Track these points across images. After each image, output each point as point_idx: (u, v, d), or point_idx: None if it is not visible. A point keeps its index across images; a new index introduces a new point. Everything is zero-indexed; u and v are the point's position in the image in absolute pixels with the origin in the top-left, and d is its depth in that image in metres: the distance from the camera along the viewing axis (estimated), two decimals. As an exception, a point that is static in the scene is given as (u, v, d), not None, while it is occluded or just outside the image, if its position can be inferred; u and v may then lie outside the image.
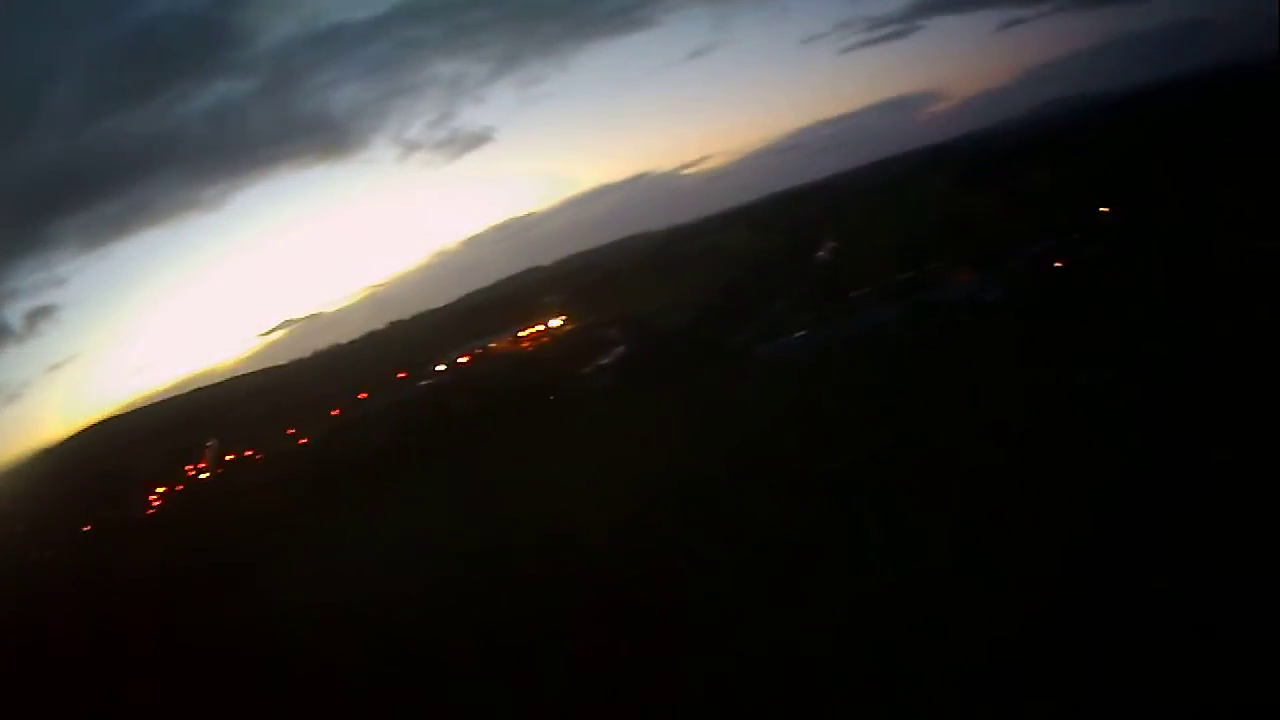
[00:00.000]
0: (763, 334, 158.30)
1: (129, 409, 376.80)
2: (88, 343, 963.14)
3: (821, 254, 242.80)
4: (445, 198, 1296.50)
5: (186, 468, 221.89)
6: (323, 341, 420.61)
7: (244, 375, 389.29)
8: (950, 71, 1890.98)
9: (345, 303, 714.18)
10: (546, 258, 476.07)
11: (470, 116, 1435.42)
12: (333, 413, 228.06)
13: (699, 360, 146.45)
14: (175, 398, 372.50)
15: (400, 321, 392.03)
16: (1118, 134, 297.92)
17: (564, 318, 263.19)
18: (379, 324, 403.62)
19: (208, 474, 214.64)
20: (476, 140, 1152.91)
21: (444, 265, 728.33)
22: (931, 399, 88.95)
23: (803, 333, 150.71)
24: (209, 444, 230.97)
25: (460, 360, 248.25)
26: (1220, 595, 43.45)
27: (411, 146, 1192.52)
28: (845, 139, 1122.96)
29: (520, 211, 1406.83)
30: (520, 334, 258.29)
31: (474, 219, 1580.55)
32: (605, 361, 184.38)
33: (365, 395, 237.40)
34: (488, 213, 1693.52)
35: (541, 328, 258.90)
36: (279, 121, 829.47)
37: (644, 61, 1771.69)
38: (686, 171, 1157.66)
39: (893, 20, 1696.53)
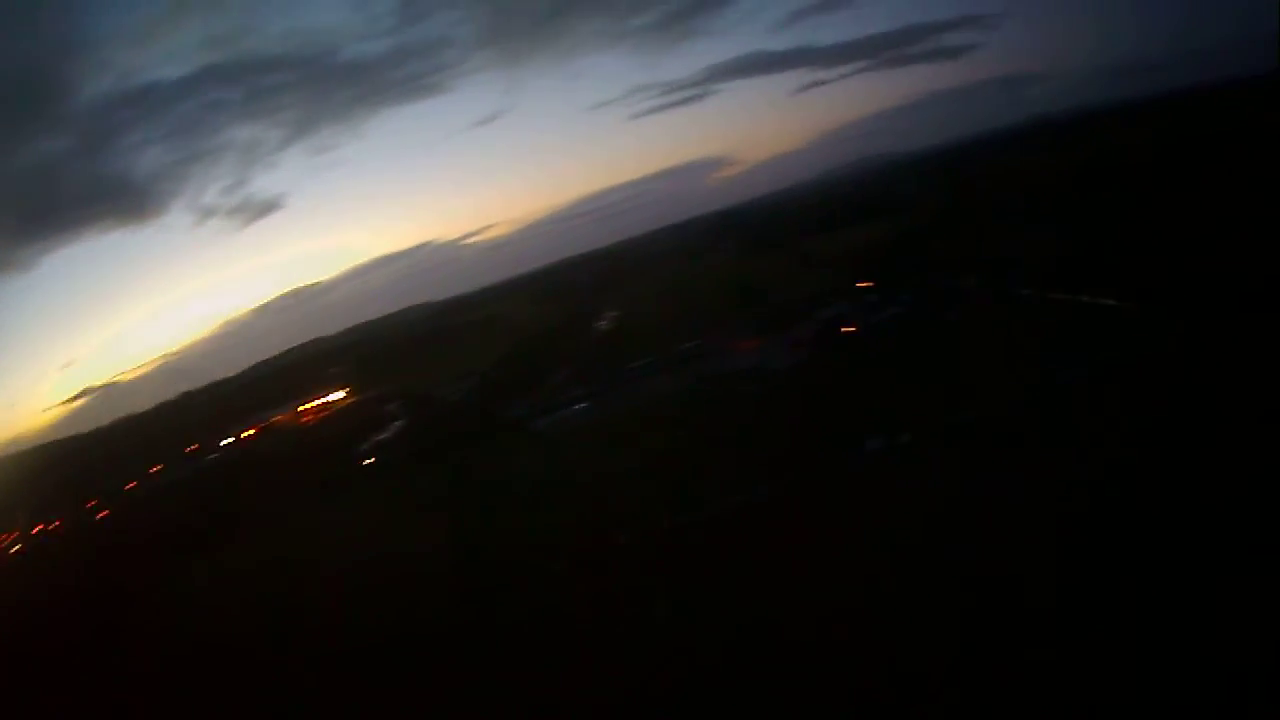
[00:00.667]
0: (542, 406, 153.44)
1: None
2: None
3: (603, 323, 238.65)
4: (236, 266, 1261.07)
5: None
6: (121, 409, 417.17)
7: (49, 443, 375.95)
8: (744, 136, 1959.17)
9: (141, 371, 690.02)
10: (331, 328, 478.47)
11: (263, 183, 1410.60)
12: (128, 486, 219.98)
13: (476, 435, 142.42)
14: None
15: (192, 392, 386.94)
16: (920, 192, 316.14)
17: (345, 390, 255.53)
18: (172, 394, 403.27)
19: (18, 546, 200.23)
20: (267, 207, 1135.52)
21: (234, 334, 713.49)
22: (709, 474, 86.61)
23: (583, 405, 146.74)
24: (19, 515, 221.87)
25: (246, 434, 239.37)
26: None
27: (206, 213, 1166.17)
28: (633, 205, 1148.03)
29: (307, 280, 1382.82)
30: (302, 407, 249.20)
31: (263, 288, 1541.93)
32: (383, 437, 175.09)
33: (159, 468, 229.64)
34: (276, 281, 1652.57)
35: (323, 401, 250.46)
36: (89, 182, 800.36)
37: (434, 128, 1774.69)
38: (469, 240, 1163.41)
39: (687, 85, 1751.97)
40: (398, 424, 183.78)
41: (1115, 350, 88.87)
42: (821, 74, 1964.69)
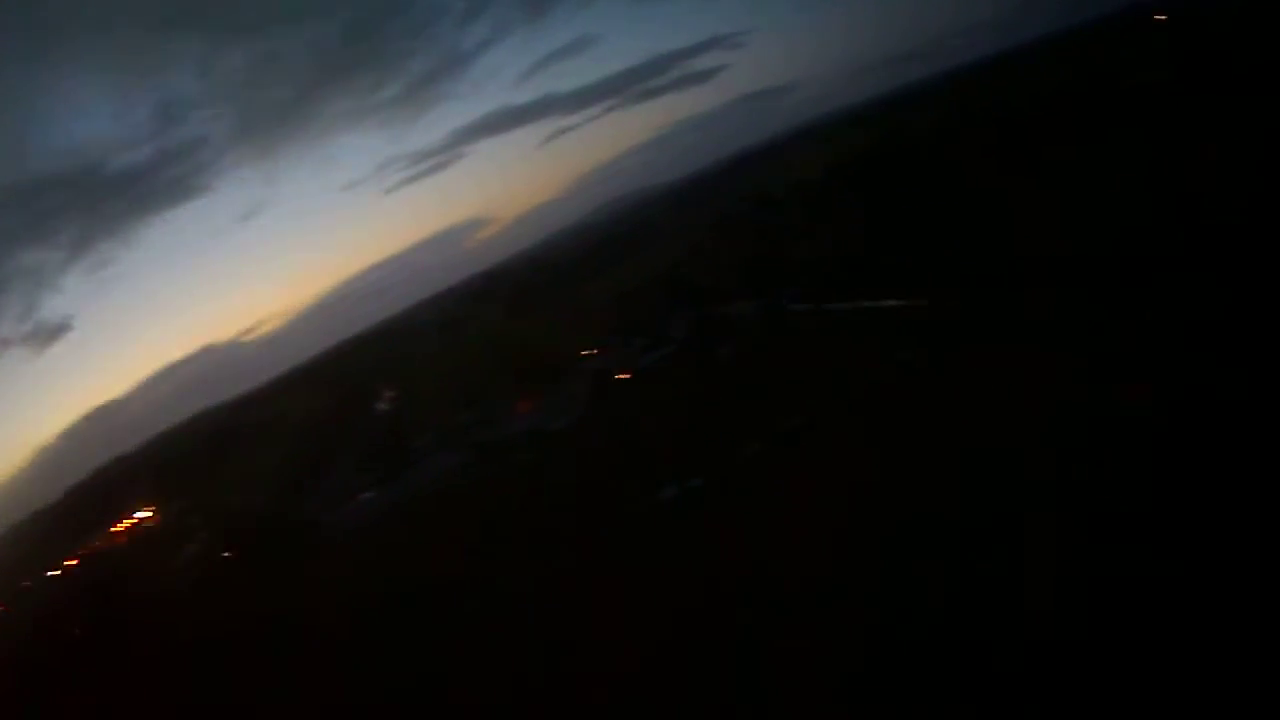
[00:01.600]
0: (331, 501, 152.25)
1: None
2: None
3: (382, 404, 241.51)
4: (37, 392, 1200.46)
5: None
6: None
7: None
8: (498, 194, 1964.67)
9: None
10: (130, 444, 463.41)
11: (51, 306, 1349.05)
12: None
13: (274, 540, 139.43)
14: None
15: (17, 524, 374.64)
16: (681, 223, 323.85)
17: (151, 508, 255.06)
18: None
19: None
20: (58, 330, 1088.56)
21: (46, 461, 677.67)
22: (502, 552, 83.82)
23: (369, 494, 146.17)
24: None
25: (68, 564, 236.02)
26: None
27: (4, 343, 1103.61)
28: (395, 280, 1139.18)
29: (104, 398, 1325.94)
30: (113, 529, 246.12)
31: (65, 411, 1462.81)
32: (191, 550, 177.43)
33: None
34: (77, 402, 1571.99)
35: (131, 521, 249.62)
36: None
37: (200, 229, 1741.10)
38: (246, 338, 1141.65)
39: (436, 152, 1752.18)
40: (203, 536, 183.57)
41: (905, 353, 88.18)
42: (568, 120, 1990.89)
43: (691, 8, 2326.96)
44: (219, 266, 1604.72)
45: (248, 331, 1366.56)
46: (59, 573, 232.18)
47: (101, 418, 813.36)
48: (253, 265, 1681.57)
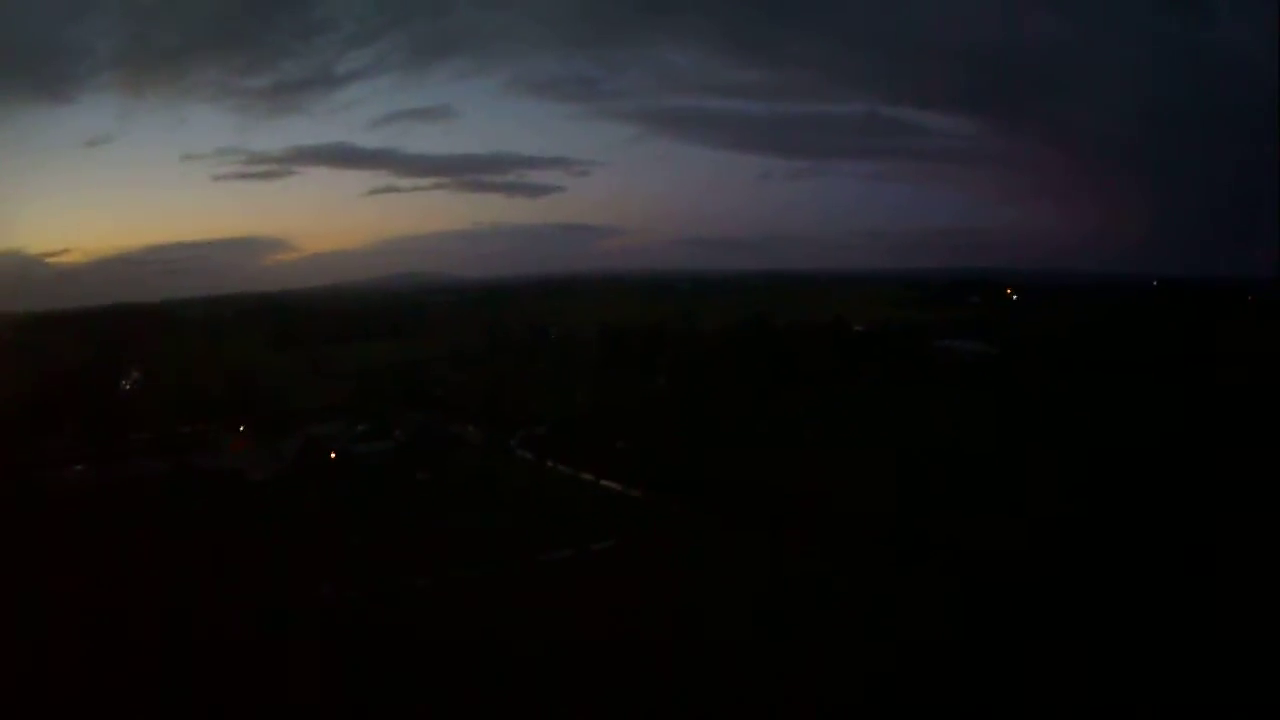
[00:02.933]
0: (45, 464, 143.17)
1: None
2: None
3: (127, 382, 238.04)
4: None
5: None
6: None
7: None
8: (309, 223, 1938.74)
9: None
10: None
11: None
12: None
13: None
14: None
15: None
16: (457, 326, 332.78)
17: None
18: None
19: None
20: None
21: None
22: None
23: (79, 466, 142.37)
24: None
25: None
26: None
27: None
28: (194, 266, 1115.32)
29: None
30: None
31: None
32: None
33: None
34: None
35: None
36: None
37: (52, 136, 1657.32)
38: (50, 259, 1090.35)
39: (271, 160, 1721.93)
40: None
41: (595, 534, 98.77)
42: (398, 180, 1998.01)
43: (552, 121, 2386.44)
44: (53, 179, 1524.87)
45: (54, 254, 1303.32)
46: None
47: None
48: (83, 193, 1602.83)
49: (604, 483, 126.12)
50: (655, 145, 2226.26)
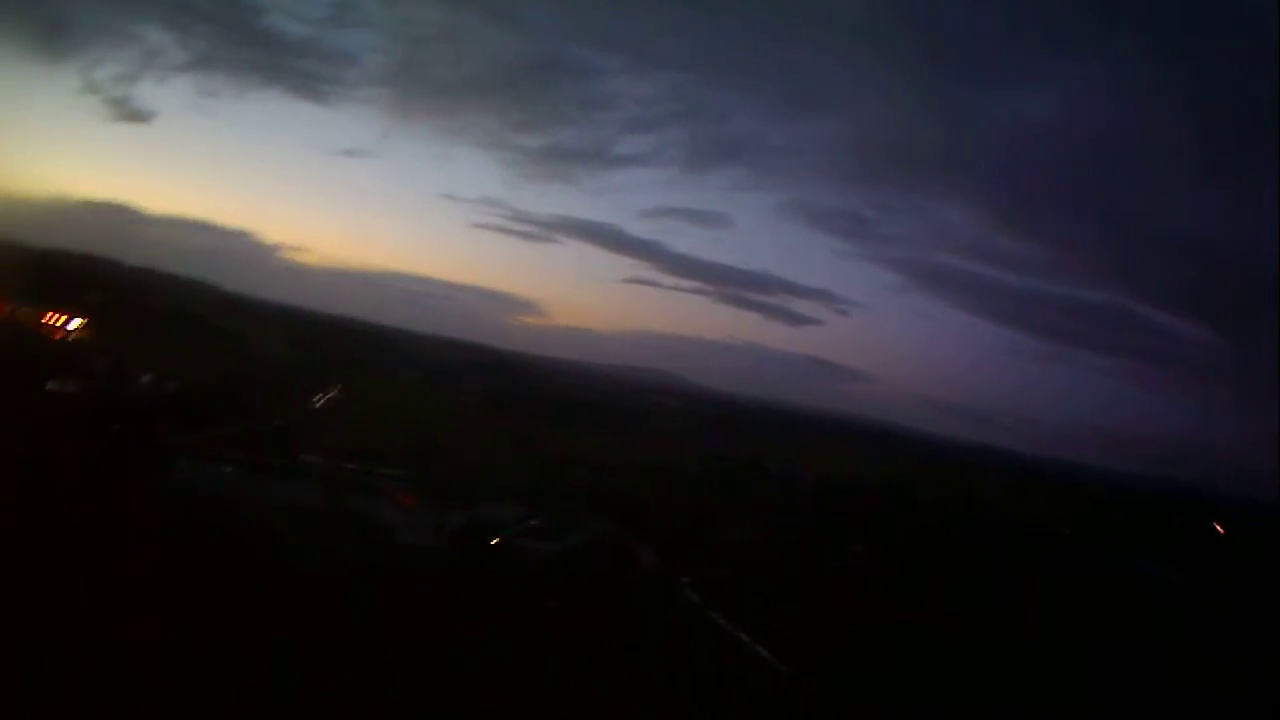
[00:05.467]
0: (200, 448, 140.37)
1: None
2: None
3: (319, 400, 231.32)
4: (90, 147, 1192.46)
5: None
6: None
7: None
8: (560, 294, 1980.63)
9: None
10: (127, 257, 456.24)
11: (145, 91, 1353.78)
12: None
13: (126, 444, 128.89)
14: None
15: None
16: (681, 436, 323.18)
17: (84, 323, 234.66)
18: None
19: None
20: (138, 116, 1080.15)
21: (64, 213, 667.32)
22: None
23: (229, 469, 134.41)
24: None
25: None
26: None
27: (93, 87, 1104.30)
28: (434, 303, 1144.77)
29: (131, 200, 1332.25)
30: (46, 314, 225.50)
31: (89, 183, 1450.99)
32: (69, 388, 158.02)
33: None
34: (109, 187, 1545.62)
35: (65, 320, 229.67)
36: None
37: (304, 133, 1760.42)
38: (282, 252, 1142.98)
39: (533, 220, 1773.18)
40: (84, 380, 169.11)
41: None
42: (659, 275, 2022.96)
43: (819, 252, 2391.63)
44: (297, 175, 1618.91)
45: (287, 248, 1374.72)
46: None
47: (118, 213, 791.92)
48: (328, 196, 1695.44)
49: (759, 649, 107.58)
50: (914, 298, 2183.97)
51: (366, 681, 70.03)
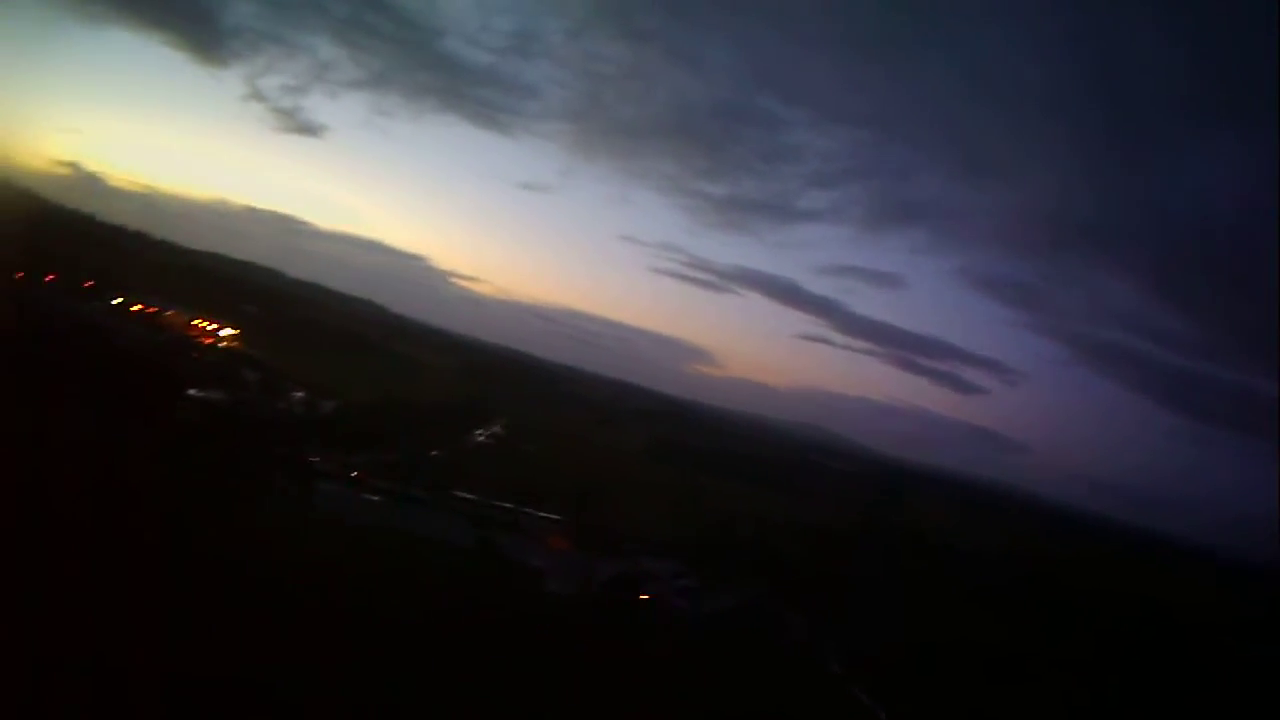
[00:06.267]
0: (335, 477, 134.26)
1: None
2: None
3: (480, 434, 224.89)
4: (255, 160, 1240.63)
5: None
6: (88, 204, 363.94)
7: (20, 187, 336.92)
8: (735, 345, 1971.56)
9: (131, 185, 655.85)
10: (291, 270, 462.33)
11: (316, 104, 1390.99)
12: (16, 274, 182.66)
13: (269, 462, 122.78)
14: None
15: (145, 237, 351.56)
16: (843, 495, 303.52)
17: (236, 332, 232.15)
18: (136, 224, 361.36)
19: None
20: (306, 129, 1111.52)
21: (215, 214, 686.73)
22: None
23: (376, 498, 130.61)
24: None
25: (132, 308, 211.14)
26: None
27: (258, 94, 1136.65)
28: (611, 345, 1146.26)
29: (301, 214, 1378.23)
30: (194, 322, 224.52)
31: (262, 194, 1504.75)
32: (213, 397, 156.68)
33: (53, 278, 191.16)
34: (277, 197, 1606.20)
35: (216, 327, 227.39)
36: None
37: (481, 162, 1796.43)
38: (455, 280, 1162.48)
39: (712, 269, 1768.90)
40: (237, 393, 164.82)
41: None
42: (832, 333, 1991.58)
43: (987, 321, 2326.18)
44: (473, 205, 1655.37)
45: (461, 277, 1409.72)
46: (120, 302, 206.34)
47: (288, 227, 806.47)
48: (502, 228, 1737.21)
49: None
50: (1078, 372, 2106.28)
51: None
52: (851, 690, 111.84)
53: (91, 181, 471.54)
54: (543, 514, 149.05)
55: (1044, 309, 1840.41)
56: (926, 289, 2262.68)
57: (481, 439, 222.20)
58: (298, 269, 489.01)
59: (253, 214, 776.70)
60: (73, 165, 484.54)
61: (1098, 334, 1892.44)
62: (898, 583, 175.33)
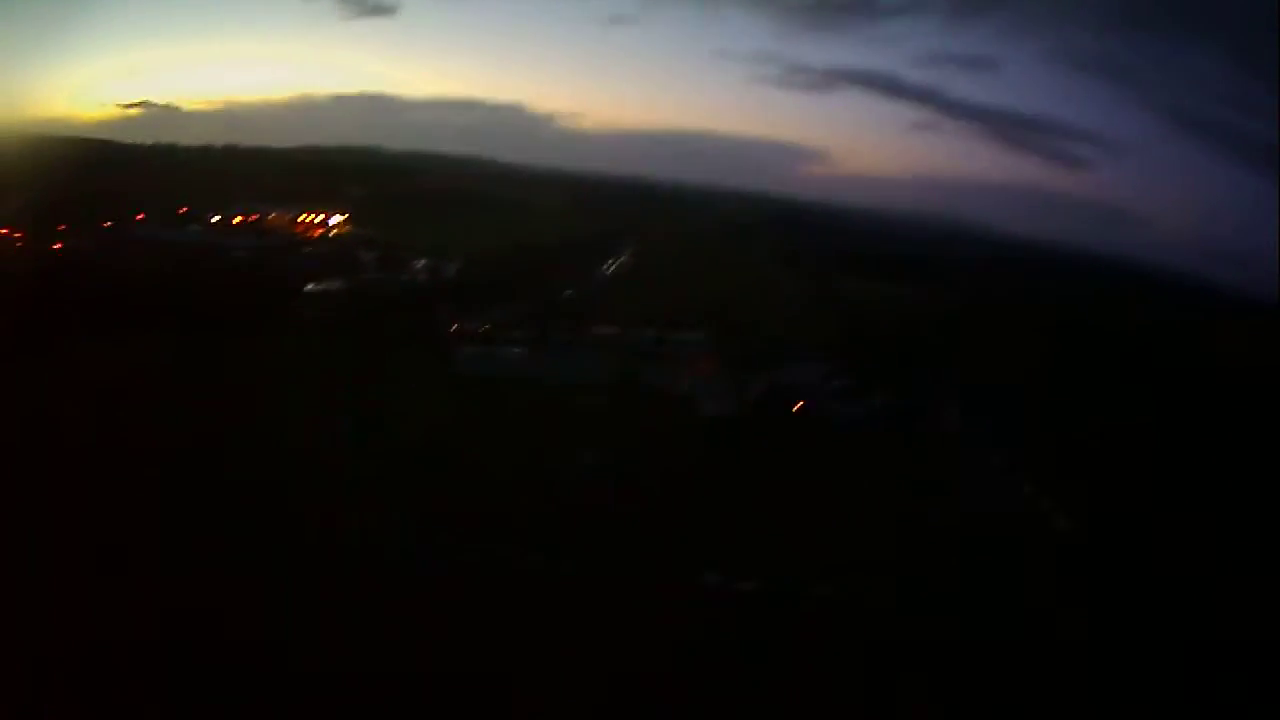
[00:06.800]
0: (484, 330, 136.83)
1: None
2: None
3: (608, 267, 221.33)
4: (329, 49, 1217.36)
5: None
6: (167, 135, 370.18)
7: (94, 140, 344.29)
8: (843, 142, 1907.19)
9: (204, 108, 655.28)
10: (391, 142, 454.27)
11: None
12: (104, 224, 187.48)
13: (403, 337, 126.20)
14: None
15: (237, 148, 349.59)
16: (987, 276, 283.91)
17: (345, 217, 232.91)
18: (222, 140, 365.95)
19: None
20: (378, 10, 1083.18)
21: (300, 111, 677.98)
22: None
23: (519, 349, 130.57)
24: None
25: (233, 221, 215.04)
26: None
27: None
28: (720, 158, 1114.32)
29: (391, 90, 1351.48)
30: (299, 218, 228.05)
31: (346, 80, 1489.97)
32: (332, 287, 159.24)
33: (142, 217, 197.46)
34: (361, 80, 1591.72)
35: (321, 219, 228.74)
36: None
37: (570, 10, 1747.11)
38: (559, 122, 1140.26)
39: (808, 71, 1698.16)
40: (346, 283, 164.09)
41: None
42: (939, 121, 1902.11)
43: (1086, 98, 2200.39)
44: (560, 48, 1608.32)
45: (563, 116, 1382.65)
46: (218, 220, 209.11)
47: (377, 104, 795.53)
48: (592, 64, 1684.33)
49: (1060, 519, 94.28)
50: (1174, 147, 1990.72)
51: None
52: (1016, 479, 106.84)
53: (167, 114, 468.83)
54: (685, 337, 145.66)
55: (1136, 85, 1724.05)
56: (1018, 69, 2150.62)
57: (611, 270, 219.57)
58: (396, 142, 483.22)
59: (339, 101, 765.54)
60: (143, 104, 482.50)
61: (1190, 105, 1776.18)
62: (1053, 368, 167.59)
